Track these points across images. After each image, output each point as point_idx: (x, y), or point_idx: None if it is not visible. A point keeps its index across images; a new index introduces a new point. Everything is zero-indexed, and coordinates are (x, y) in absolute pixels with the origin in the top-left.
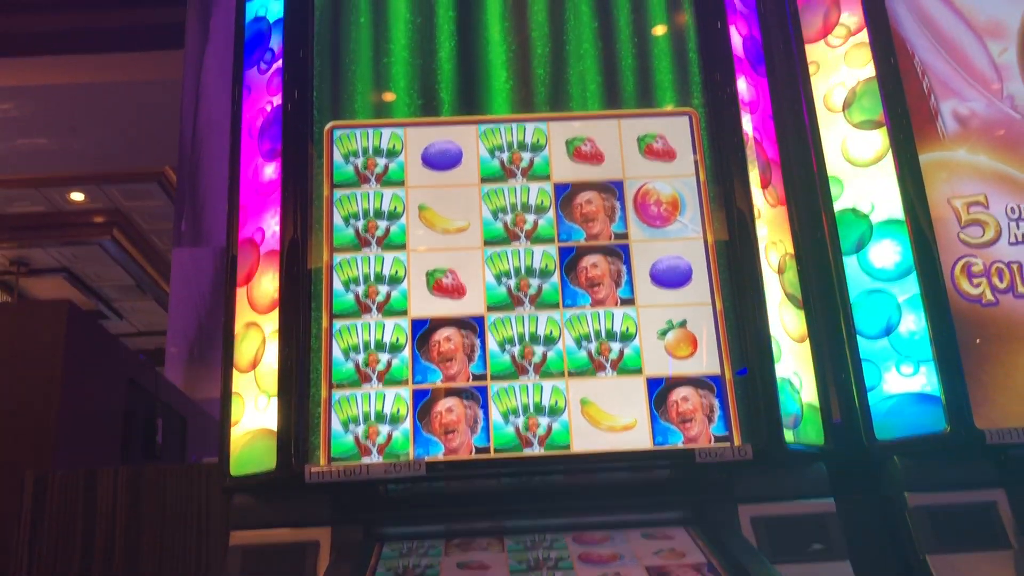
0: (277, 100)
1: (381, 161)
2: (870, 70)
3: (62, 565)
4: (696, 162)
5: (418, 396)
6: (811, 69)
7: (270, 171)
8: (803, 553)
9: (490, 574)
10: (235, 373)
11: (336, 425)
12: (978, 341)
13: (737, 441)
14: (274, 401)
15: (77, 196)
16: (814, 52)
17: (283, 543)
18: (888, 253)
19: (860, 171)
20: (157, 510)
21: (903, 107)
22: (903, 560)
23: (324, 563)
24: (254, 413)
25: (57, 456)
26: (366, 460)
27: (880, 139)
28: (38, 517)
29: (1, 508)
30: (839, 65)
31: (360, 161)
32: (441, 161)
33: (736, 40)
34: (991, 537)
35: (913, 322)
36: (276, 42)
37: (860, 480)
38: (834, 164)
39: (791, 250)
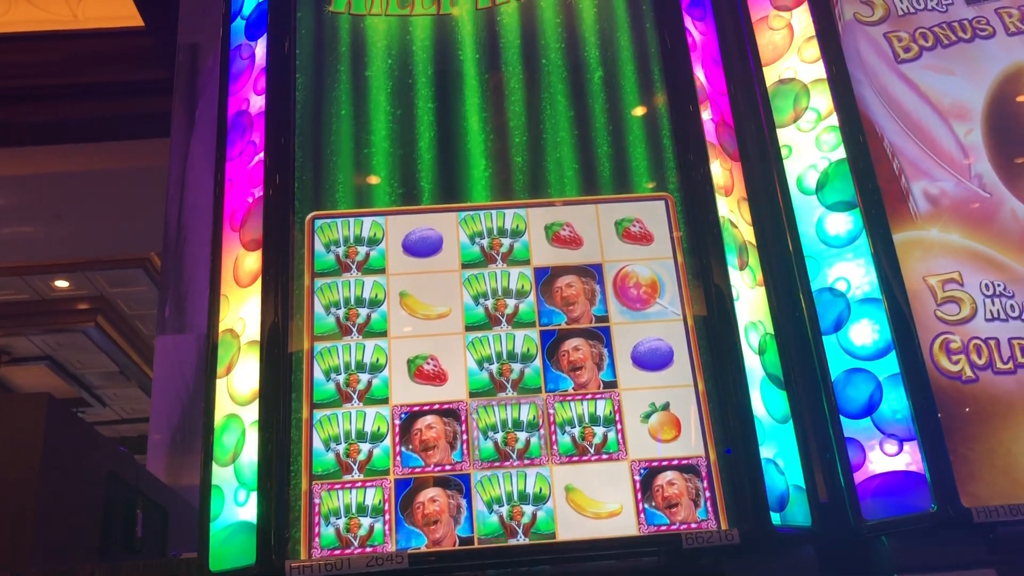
0: (259, 191)
1: (362, 249)
2: (841, 152)
3: None
4: (673, 245)
5: (400, 486)
6: (783, 152)
7: (252, 261)
8: None
9: None
10: (215, 466)
11: (317, 518)
12: (967, 414)
13: (724, 524)
14: (254, 495)
15: (61, 283)
16: (786, 136)
17: None
18: (867, 331)
19: (835, 251)
20: None
21: (875, 187)
22: None
23: None
24: (234, 507)
25: (34, 553)
26: (348, 553)
27: (854, 219)
28: None
29: None
30: (811, 148)
31: (341, 250)
32: (422, 248)
33: (708, 124)
34: None
35: (895, 400)
36: (258, 135)
37: (850, 561)
38: (810, 245)
39: (771, 330)
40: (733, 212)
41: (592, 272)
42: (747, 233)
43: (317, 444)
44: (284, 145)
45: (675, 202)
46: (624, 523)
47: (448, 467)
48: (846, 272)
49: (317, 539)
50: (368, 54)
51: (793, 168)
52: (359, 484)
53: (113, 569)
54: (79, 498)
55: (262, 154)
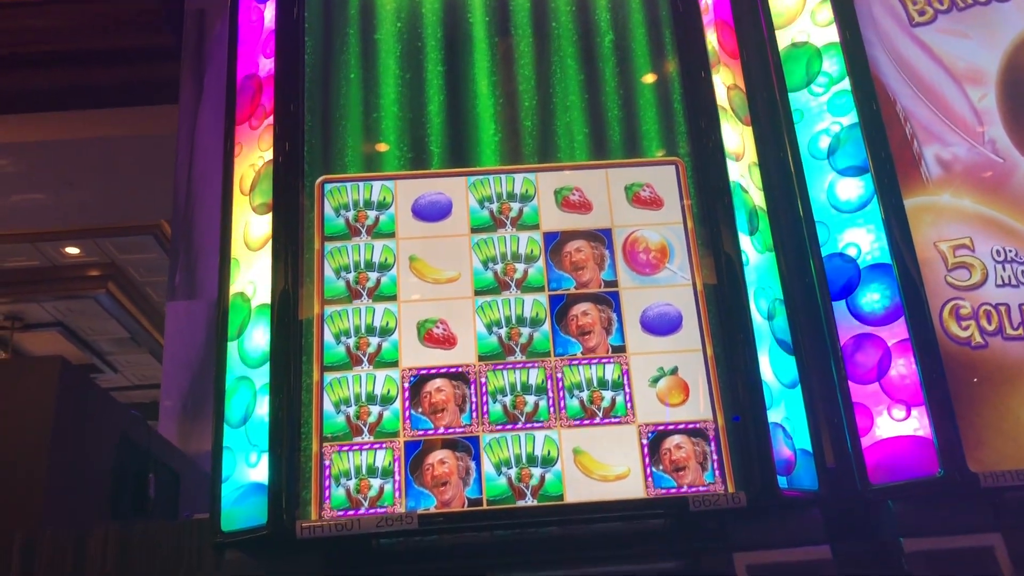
0: (268, 155)
1: (372, 213)
2: (853, 117)
3: None
4: (684, 210)
5: (410, 448)
6: (795, 117)
7: (261, 225)
8: None
9: None
10: (226, 428)
11: (328, 479)
12: (975, 380)
13: (731, 488)
14: (265, 456)
15: (72, 250)
16: (798, 100)
17: None
18: (876, 297)
19: (846, 216)
20: (147, 568)
21: (887, 153)
22: None
23: None
24: (245, 468)
25: (47, 514)
26: (358, 514)
27: (865, 184)
28: (27, 568)
29: None
30: (823, 113)
31: (351, 214)
32: (431, 212)
33: (720, 88)
34: None
35: (903, 365)
36: (267, 98)
37: (856, 525)
38: (820, 210)
39: (780, 296)
40: (744, 177)
41: (601, 237)
42: (758, 198)
43: (327, 407)
44: (293, 109)
45: (686, 167)
46: (632, 486)
47: (457, 430)
48: (856, 237)
49: (327, 500)
50: (377, 17)
51: (805, 132)
52: (369, 446)
53: (125, 530)
54: (91, 460)
55: (271, 117)
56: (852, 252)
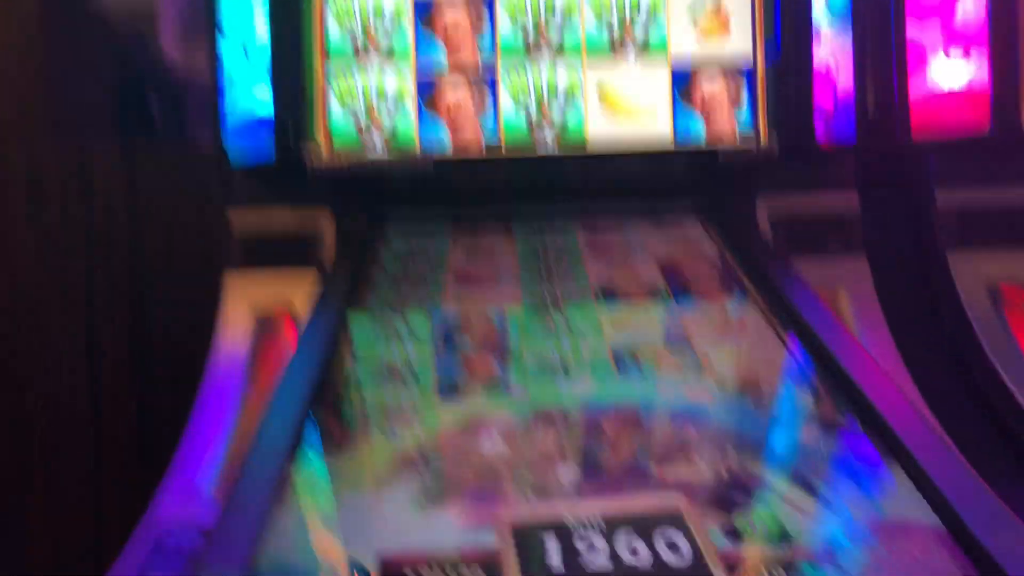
0: None
1: None
2: None
3: (65, 248)
4: None
5: (423, 75)
6: None
7: None
8: (819, 247)
9: (497, 260)
10: (223, 48)
11: (335, 107)
12: None
13: (763, 133)
14: (267, 80)
15: None
16: None
17: (287, 231)
18: None
19: None
20: (156, 190)
21: None
22: (923, 256)
23: (330, 249)
24: (248, 93)
25: (48, 138)
26: (370, 154)
27: None
28: (34, 201)
29: None
30: None
31: None
32: None
33: None
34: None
35: (971, 3)
36: None
37: (891, 180)
38: None
39: None
40: None
41: None
42: None
43: (331, 27)
44: None
45: None
46: (660, 127)
47: (474, 58)
48: None
49: (336, 137)
50: None
51: None
52: (378, 70)
53: (130, 149)
54: (88, 81)
55: None
56: None
